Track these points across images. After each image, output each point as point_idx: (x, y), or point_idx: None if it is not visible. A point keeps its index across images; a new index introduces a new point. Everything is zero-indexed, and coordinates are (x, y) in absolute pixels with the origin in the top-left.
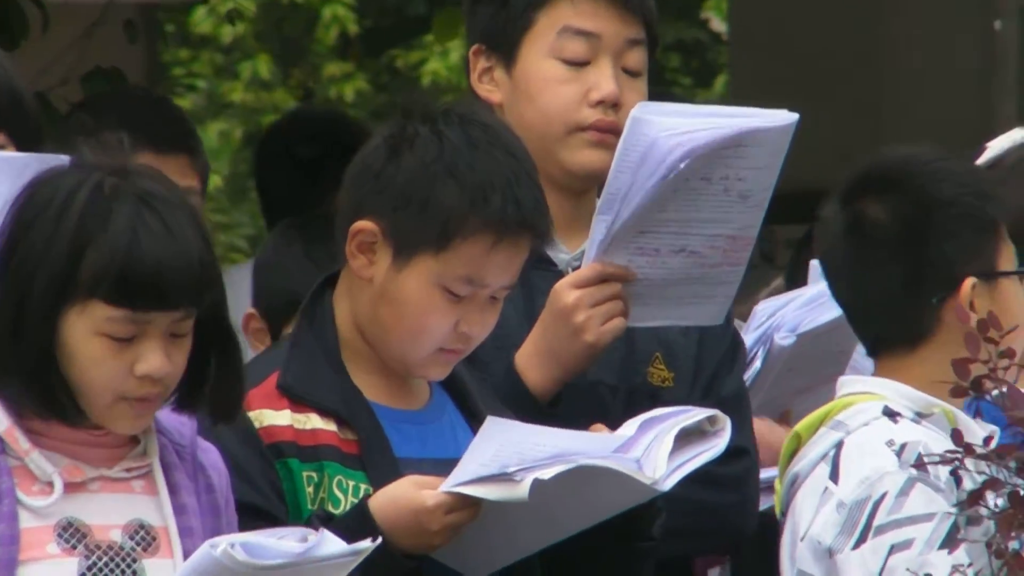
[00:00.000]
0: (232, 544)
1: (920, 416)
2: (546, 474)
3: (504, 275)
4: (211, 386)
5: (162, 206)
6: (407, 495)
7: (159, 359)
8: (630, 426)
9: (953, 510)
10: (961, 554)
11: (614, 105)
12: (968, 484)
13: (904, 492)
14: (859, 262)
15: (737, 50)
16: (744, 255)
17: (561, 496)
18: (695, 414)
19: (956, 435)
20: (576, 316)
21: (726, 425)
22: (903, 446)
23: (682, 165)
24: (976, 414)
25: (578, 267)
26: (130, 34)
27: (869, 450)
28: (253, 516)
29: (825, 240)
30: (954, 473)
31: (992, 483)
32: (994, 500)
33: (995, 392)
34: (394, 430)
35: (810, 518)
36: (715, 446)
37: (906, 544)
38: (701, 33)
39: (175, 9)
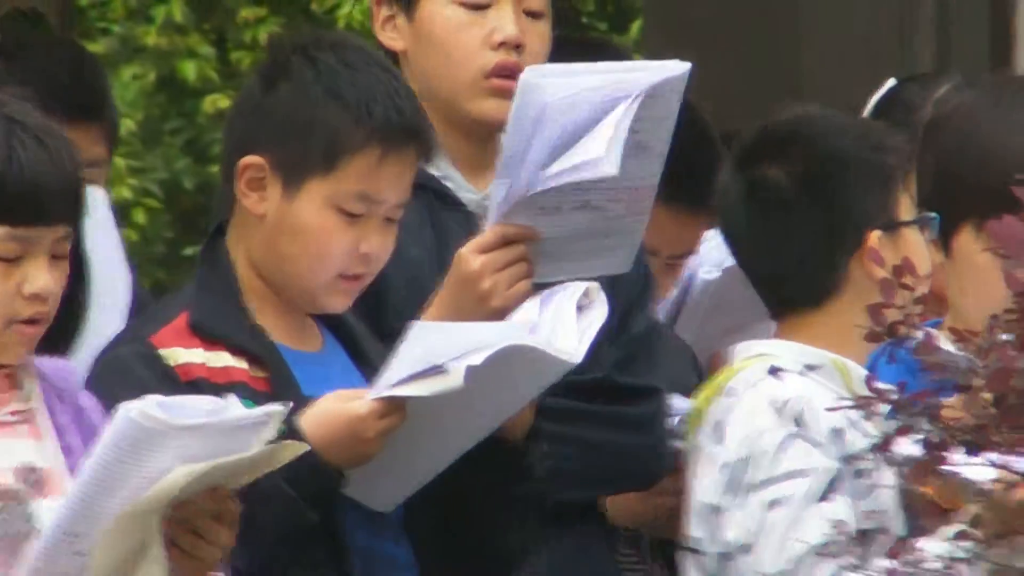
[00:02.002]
0: (148, 404)
1: (808, 368)
2: (477, 359)
3: (396, 189)
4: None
5: (35, 126)
6: (337, 408)
7: (46, 277)
8: (531, 307)
9: (832, 464)
10: (841, 507)
11: (517, 47)
12: (851, 437)
13: (782, 449)
14: (761, 227)
15: None
16: (647, 204)
17: (484, 386)
18: (578, 287)
19: (869, 380)
20: (482, 283)
21: (599, 295)
22: (785, 403)
23: (614, 170)
24: (890, 359)
25: (488, 207)
26: None
27: (751, 410)
28: None
29: (725, 207)
30: (867, 419)
31: (904, 429)
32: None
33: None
34: (298, 369)
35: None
36: (600, 313)
37: (782, 501)
38: None
39: None
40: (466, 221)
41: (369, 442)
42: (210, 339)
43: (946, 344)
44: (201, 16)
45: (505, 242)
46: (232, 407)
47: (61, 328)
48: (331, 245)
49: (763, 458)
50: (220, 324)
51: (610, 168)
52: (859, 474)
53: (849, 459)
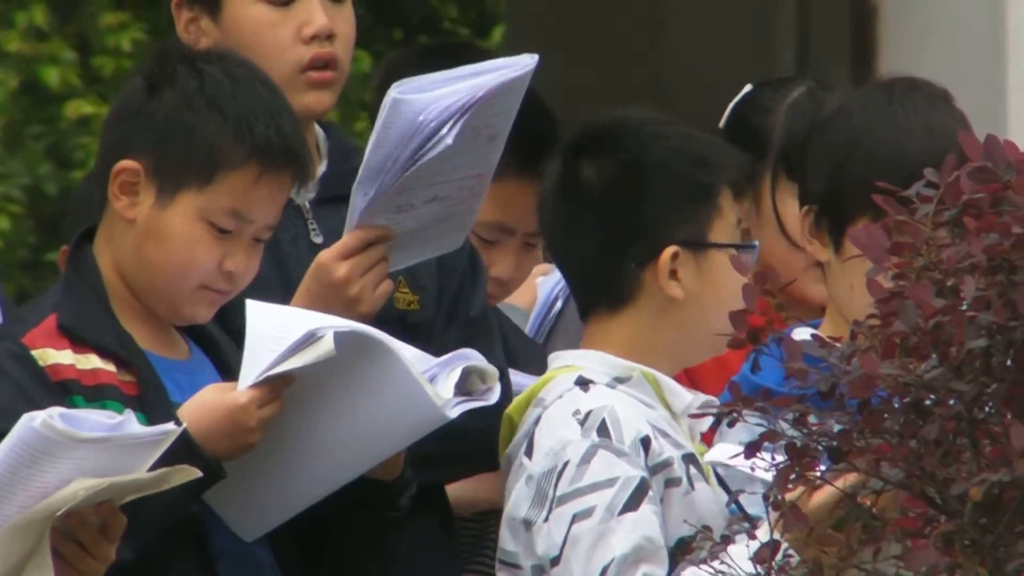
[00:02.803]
0: (51, 415)
1: (618, 381)
2: (343, 327)
3: (269, 210)
4: None
5: None
6: (217, 398)
7: None
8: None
9: (637, 472)
10: (647, 515)
11: (328, 37)
12: (658, 446)
13: (586, 460)
14: (567, 222)
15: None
16: (484, 187)
17: (352, 388)
18: (476, 361)
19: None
20: (350, 289)
21: (495, 385)
22: (587, 414)
23: (450, 140)
24: (753, 367)
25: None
26: None
27: (557, 422)
28: None
29: (541, 199)
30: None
31: (769, 435)
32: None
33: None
34: (165, 376)
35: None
36: (488, 398)
37: (587, 512)
38: None
39: None
40: (293, 213)
41: (251, 431)
42: (79, 341)
43: (812, 348)
44: (63, 21)
45: (367, 245)
46: (130, 423)
47: None
48: (196, 257)
49: (567, 469)
50: (88, 327)
51: (449, 140)
52: (670, 483)
53: (657, 468)
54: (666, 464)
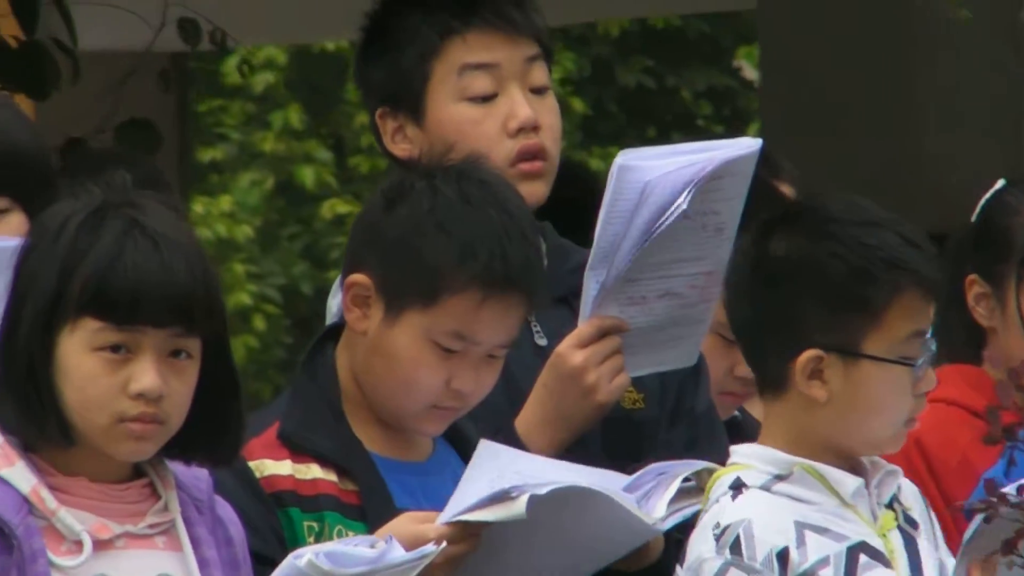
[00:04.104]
0: (316, 554)
1: (779, 478)
2: (541, 490)
3: (496, 333)
4: (210, 427)
5: (154, 231)
6: (406, 529)
7: (152, 377)
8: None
9: None
10: None
11: (534, 128)
12: (798, 557)
13: None
14: (737, 293)
15: (768, 97)
16: (716, 291)
17: (558, 527)
18: (694, 465)
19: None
20: (587, 377)
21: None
22: (725, 529)
23: (684, 204)
24: (1010, 463)
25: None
26: (165, 82)
27: (700, 536)
28: (259, 564)
29: (731, 271)
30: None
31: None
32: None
33: None
34: (394, 481)
35: None
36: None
37: None
38: (733, 81)
39: (207, 58)
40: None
41: (435, 568)
42: (299, 451)
43: None
44: (318, 121)
45: (602, 334)
46: (393, 550)
47: (199, 436)
48: (421, 377)
49: None
50: (310, 435)
51: (684, 205)
52: None
53: None
54: (808, 574)
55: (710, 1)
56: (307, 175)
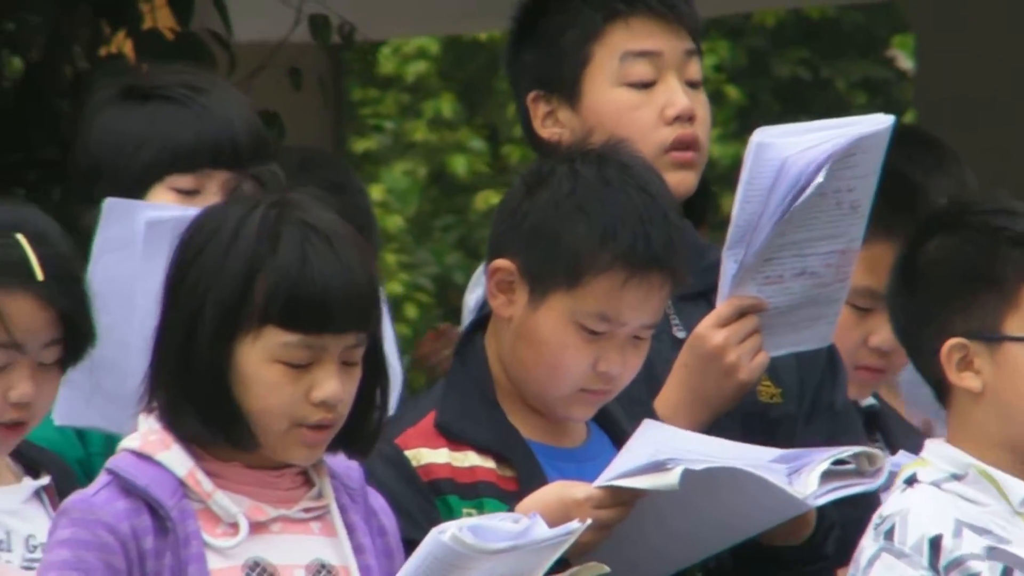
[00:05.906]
0: (461, 528)
1: (955, 478)
2: (697, 465)
3: (640, 313)
4: (357, 420)
5: (326, 230)
6: (556, 490)
7: (335, 385)
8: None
9: (917, 573)
10: None
11: (690, 118)
12: (951, 544)
13: (871, 563)
14: (895, 291)
15: (923, 87)
16: (850, 269)
17: (709, 501)
18: (850, 448)
19: None
20: (728, 356)
21: (884, 465)
22: (885, 518)
23: (820, 178)
24: None
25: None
26: (295, 82)
27: (867, 529)
28: (412, 551)
29: (889, 275)
30: None
31: None
32: None
33: None
34: (551, 467)
35: None
36: (873, 482)
37: None
38: (887, 71)
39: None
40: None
41: (584, 534)
42: (456, 439)
43: None
44: (471, 111)
45: (741, 313)
46: (536, 526)
47: (354, 428)
48: (567, 360)
49: (859, 572)
50: (466, 424)
51: (820, 178)
52: None
53: (950, 566)
54: (959, 562)
55: None
56: (460, 165)
